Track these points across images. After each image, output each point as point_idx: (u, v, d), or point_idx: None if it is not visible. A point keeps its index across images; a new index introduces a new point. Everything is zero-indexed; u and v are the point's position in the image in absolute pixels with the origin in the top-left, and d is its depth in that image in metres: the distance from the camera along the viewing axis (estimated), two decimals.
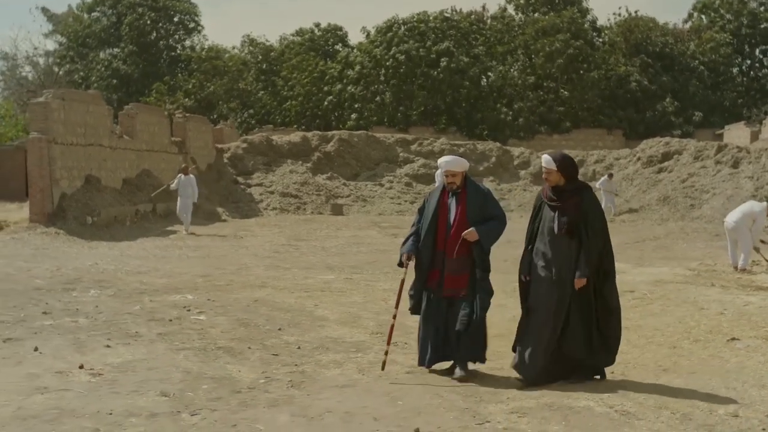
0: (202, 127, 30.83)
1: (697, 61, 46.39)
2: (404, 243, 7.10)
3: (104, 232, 19.92)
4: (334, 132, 35.88)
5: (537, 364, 6.67)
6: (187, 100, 43.31)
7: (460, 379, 6.72)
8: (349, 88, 44.85)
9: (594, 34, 47.55)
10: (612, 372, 7.16)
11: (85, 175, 21.25)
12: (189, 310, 10.01)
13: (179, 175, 21.98)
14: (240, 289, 11.84)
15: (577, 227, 6.62)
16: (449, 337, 6.87)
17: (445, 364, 7.01)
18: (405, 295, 7.07)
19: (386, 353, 6.95)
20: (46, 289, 11.63)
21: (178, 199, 21.64)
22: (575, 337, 6.65)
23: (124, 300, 10.80)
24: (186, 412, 5.71)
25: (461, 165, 7.04)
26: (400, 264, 7.02)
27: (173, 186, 21.83)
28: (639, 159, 33.58)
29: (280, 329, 8.90)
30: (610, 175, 29.33)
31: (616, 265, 15.04)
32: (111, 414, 5.63)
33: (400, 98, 44.18)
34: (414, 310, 7.06)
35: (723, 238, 20.96)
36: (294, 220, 26.83)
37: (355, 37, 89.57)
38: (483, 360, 6.99)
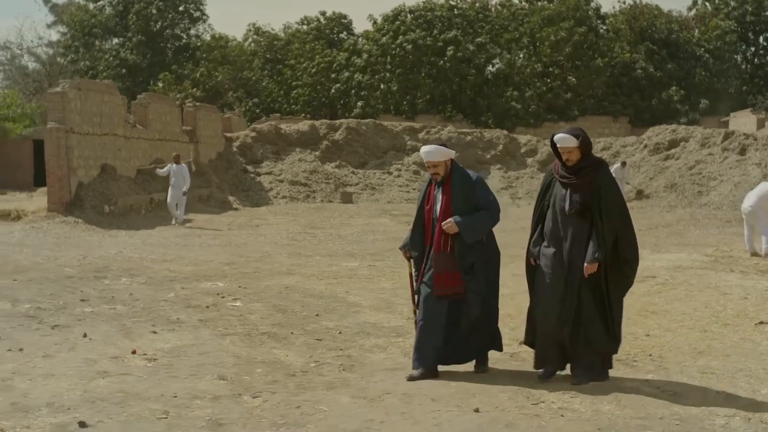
0: (212, 116, 30.95)
1: (702, 49, 46.49)
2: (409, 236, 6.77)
3: (121, 221, 20.09)
4: (342, 120, 36.00)
5: (548, 354, 6.32)
6: (195, 89, 43.38)
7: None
8: (356, 76, 44.96)
9: (598, 21, 47.61)
10: (650, 354, 7.36)
11: (101, 164, 21.39)
12: (223, 297, 10.19)
13: (170, 164, 21.33)
14: (268, 277, 12.02)
15: (590, 207, 6.09)
16: (452, 339, 6.42)
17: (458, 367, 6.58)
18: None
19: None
20: (78, 277, 11.80)
21: (169, 189, 20.88)
22: (594, 325, 6.16)
23: (156, 287, 10.97)
24: (247, 395, 5.89)
25: (442, 154, 6.49)
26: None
27: (161, 173, 21.32)
28: (646, 146, 33.72)
29: (317, 315, 9.09)
30: (623, 164, 29.45)
31: None
32: (176, 397, 5.81)
33: (406, 87, 44.30)
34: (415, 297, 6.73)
35: (734, 224, 21.28)
36: (305, 209, 26.99)
37: (360, 26, 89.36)
38: (499, 348, 6.65)
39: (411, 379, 6.26)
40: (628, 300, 10.22)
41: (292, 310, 9.39)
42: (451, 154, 6.55)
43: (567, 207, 6.14)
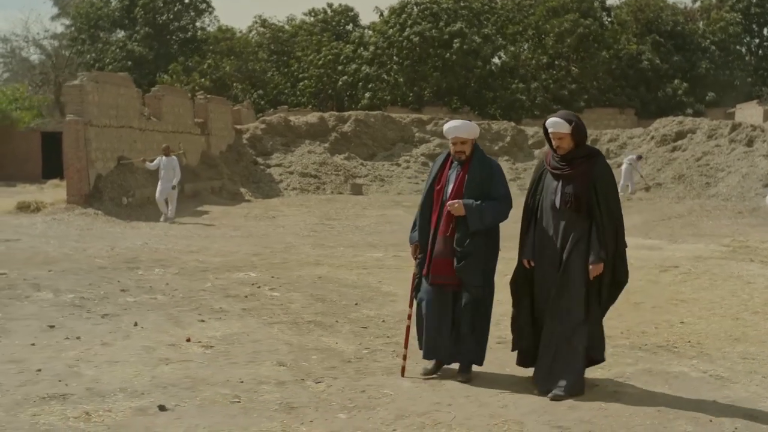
0: (222, 108, 31.11)
1: (708, 41, 46.67)
2: (413, 228, 6.29)
3: (139, 213, 20.26)
4: (350, 112, 36.16)
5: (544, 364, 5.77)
6: (203, 80, 43.51)
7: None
8: (363, 68, 45.12)
9: (603, 13, 47.75)
10: (688, 341, 7.58)
11: (117, 156, 21.55)
12: (259, 287, 10.39)
13: (160, 156, 19.86)
14: (298, 267, 12.21)
15: (586, 201, 5.58)
16: (444, 334, 6.04)
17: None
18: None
19: (405, 357, 6.16)
20: (111, 268, 11.98)
21: (159, 183, 19.51)
22: (590, 329, 5.72)
23: (190, 278, 11.17)
24: (309, 380, 6.09)
25: (472, 131, 6.06)
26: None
27: (151, 166, 19.94)
28: (653, 138, 33.91)
29: (356, 304, 9.29)
30: (639, 157, 29.69)
31: (651, 241, 15.52)
32: (242, 382, 6.01)
33: (413, 79, 44.48)
34: (416, 296, 6.24)
35: (745, 215, 21.52)
36: (317, 200, 27.17)
37: (366, 18, 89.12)
38: (480, 362, 6.12)
39: (426, 373, 6.09)
40: (656, 289, 10.53)
41: (331, 299, 9.60)
42: (477, 132, 6.14)
43: (558, 200, 5.65)
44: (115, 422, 5.05)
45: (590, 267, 5.55)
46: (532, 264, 5.77)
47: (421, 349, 6.16)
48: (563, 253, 5.62)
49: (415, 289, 6.15)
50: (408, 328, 6.17)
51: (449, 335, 5.98)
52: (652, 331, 8.02)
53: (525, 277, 5.86)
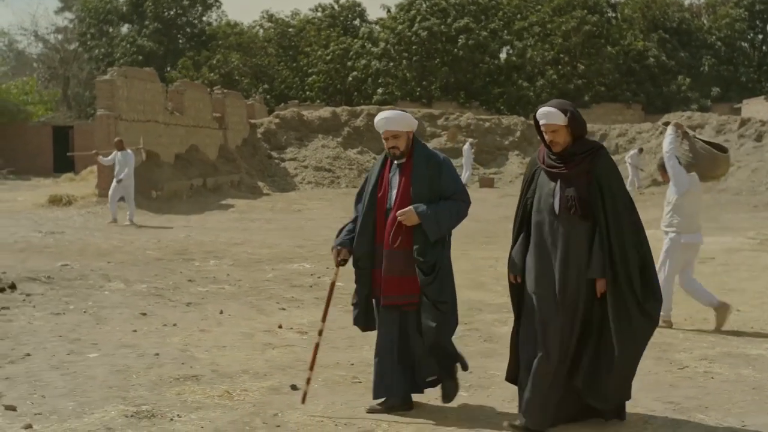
0: (237, 103, 31.44)
1: (714, 37, 47.26)
2: (339, 233, 5.42)
3: (168, 206, 20.60)
4: (362, 107, 36.50)
5: (542, 403, 4.83)
6: (212, 75, 43.84)
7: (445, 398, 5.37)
8: (373, 63, 45.52)
9: (610, 9, 48.27)
10: (751, 327, 7.99)
11: (145, 151, 21.85)
12: (320, 278, 10.75)
13: (115, 151, 17.61)
14: None
15: (590, 204, 4.70)
16: (403, 359, 5.26)
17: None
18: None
19: (308, 381, 5.30)
20: (166, 259, 12.35)
21: (114, 180, 17.42)
22: (593, 369, 4.80)
23: (248, 269, 11.53)
24: None
25: (405, 122, 5.19)
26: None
27: (105, 161, 18.02)
28: (662, 133, 34.37)
29: None
30: (641, 150, 30.09)
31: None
32: (353, 365, 6.39)
33: (422, 74, 44.92)
34: (358, 322, 5.43)
35: (761, 209, 22.02)
36: (335, 194, 27.53)
37: (373, 13, 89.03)
38: (449, 395, 5.37)
39: (371, 411, 5.24)
40: (701, 279, 10.86)
41: None
42: (414, 124, 5.25)
43: (557, 204, 4.75)
44: (256, 400, 5.42)
45: (597, 282, 4.71)
46: (519, 280, 4.98)
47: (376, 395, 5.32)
48: (563, 266, 4.74)
49: (357, 306, 5.36)
50: (317, 346, 5.36)
51: (401, 365, 5.25)
52: (712, 318, 8.40)
53: (518, 297, 5.04)
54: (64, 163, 34.95)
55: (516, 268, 4.98)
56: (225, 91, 30.98)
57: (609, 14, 47.58)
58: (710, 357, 6.64)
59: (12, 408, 5.14)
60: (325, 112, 35.23)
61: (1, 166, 34.30)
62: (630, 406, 5.21)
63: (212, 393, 5.53)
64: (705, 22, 48.54)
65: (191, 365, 6.25)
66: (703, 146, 7.81)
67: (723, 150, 7.92)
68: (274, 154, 32.17)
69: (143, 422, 4.93)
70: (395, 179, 5.18)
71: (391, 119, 5.16)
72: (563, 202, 4.72)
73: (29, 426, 4.82)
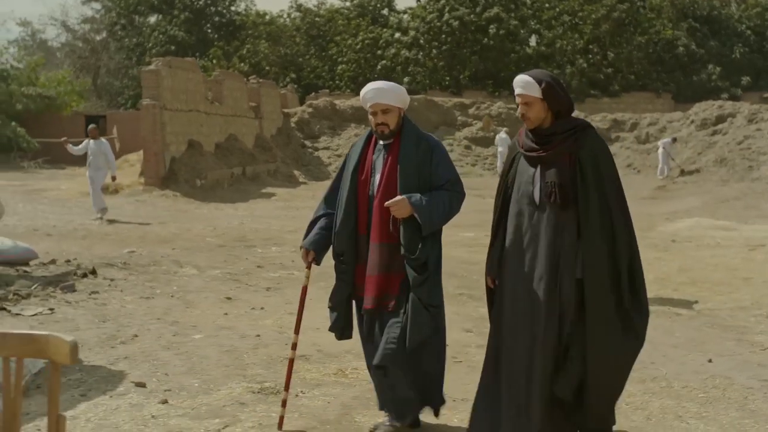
0: (272, 92, 31.76)
1: (744, 26, 47.13)
2: (308, 230, 4.74)
3: (213, 194, 20.97)
4: None
5: (529, 420, 4.06)
6: (242, 65, 44.23)
7: None
8: (402, 52, 45.76)
9: None
10: None
11: (188, 140, 22.23)
12: None
13: (87, 140, 16.39)
14: None
15: (574, 192, 3.95)
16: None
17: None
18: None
19: (284, 403, 4.71)
20: (228, 246, 12.66)
21: (87, 170, 16.33)
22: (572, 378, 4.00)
23: None
24: None
25: (397, 96, 4.48)
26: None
27: (75, 150, 16.57)
28: (692, 122, 34.37)
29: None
30: (674, 139, 30.20)
31: (722, 222, 15.90)
32: (448, 345, 6.65)
33: (452, 63, 45.11)
34: (335, 328, 4.74)
35: None
36: None
37: (402, 3, 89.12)
38: (437, 403, 4.76)
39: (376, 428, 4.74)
40: (755, 266, 11.14)
41: (461, 275, 10.24)
42: (407, 100, 4.56)
43: (537, 193, 4.04)
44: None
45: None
46: (498, 282, 4.28)
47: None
48: (544, 266, 3.99)
49: (333, 310, 4.72)
50: (291, 362, 4.79)
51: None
52: None
53: (495, 302, 4.37)
54: None
55: (494, 270, 4.29)
56: (260, 80, 31.30)
57: (638, 3, 47.47)
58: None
59: (142, 384, 5.44)
60: (357, 101, 35.42)
61: (37, 155, 34.79)
62: (727, 384, 5.46)
63: (326, 371, 5.81)
64: (734, 10, 48.34)
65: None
66: None
67: None
68: (308, 143, 32.50)
69: (270, 398, 5.22)
70: (379, 162, 4.47)
71: (383, 90, 4.44)
72: (543, 190, 4.00)
73: (165, 401, 5.12)
